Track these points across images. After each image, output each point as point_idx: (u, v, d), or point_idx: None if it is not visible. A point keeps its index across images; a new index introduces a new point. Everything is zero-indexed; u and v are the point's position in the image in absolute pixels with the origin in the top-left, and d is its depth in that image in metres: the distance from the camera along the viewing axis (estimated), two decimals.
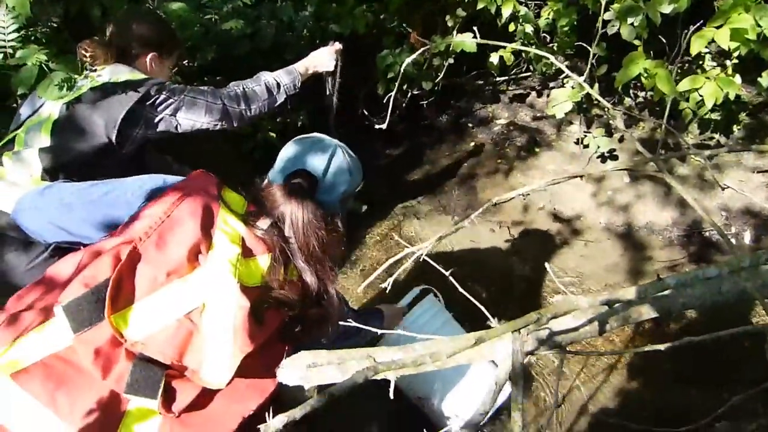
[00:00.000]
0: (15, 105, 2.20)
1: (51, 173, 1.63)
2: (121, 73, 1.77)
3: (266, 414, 0.75)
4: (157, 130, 1.76)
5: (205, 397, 1.08)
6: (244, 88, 1.88)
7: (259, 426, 0.75)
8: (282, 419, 0.73)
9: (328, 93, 2.20)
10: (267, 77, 1.93)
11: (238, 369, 1.05)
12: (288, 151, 1.37)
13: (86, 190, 1.27)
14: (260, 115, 1.93)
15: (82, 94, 1.70)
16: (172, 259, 1.07)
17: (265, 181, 1.37)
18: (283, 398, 1.24)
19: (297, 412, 0.74)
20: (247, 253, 1.15)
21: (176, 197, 1.16)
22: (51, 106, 1.72)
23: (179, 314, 1.05)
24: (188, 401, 1.05)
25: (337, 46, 2.11)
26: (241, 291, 1.07)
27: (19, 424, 1.00)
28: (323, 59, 2.09)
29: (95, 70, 1.78)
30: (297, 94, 2.01)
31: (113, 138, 1.67)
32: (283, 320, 1.17)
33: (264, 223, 1.23)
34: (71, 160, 1.66)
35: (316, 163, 1.32)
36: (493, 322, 0.96)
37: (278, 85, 1.93)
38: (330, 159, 1.33)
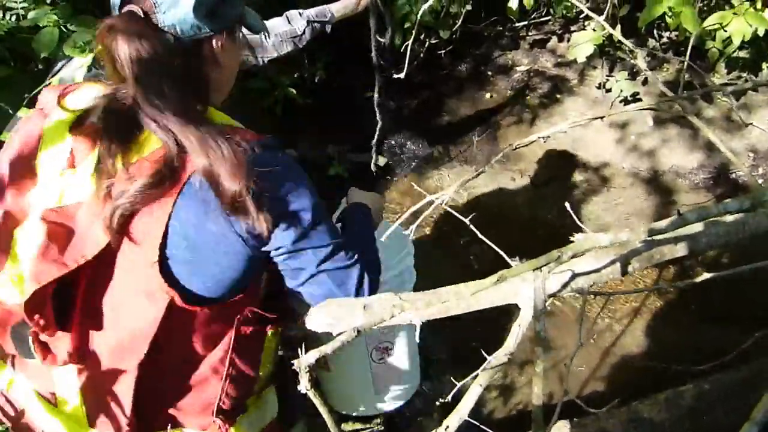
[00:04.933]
0: (37, 69, 2.22)
1: None
2: None
3: (299, 350, 0.78)
4: None
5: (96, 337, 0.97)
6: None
7: (292, 362, 0.79)
8: (314, 354, 0.76)
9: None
10: (291, 12, 1.89)
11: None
12: None
13: None
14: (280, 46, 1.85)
15: None
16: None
17: None
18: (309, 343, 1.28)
19: (327, 348, 0.77)
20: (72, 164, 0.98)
21: None
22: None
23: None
24: (68, 350, 0.95)
25: None
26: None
27: None
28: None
29: None
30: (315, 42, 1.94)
31: None
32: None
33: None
34: None
35: None
36: (514, 262, 0.97)
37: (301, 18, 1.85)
38: None
